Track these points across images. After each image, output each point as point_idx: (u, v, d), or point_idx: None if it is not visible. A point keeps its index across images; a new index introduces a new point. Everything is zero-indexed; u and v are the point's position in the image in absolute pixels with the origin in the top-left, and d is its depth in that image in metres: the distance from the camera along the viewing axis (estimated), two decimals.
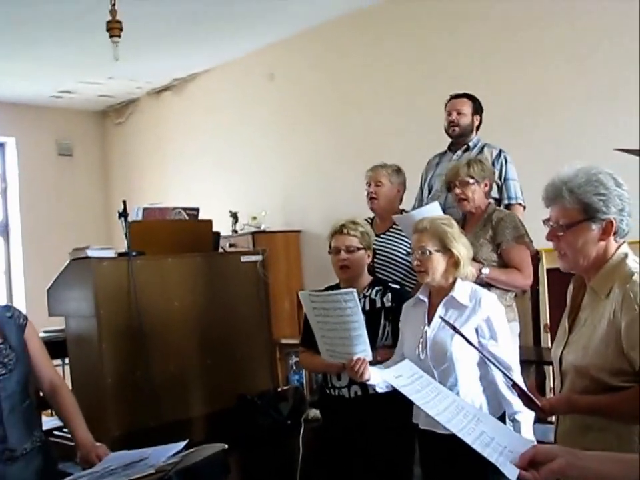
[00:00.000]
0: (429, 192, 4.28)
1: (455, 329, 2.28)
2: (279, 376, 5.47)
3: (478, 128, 4.27)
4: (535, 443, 1.59)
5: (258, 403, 4.40)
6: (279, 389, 4.87)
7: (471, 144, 4.20)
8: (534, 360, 4.01)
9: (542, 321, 4.39)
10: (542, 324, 4.39)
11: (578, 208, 1.99)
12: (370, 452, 3.19)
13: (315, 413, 4.29)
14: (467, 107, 4.21)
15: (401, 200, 4.09)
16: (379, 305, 3.23)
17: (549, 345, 4.24)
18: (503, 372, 2.01)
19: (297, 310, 5.95)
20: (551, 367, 4.10)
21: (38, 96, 7.93)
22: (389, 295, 3.26)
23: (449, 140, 4.29)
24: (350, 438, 3.24)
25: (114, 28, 4.30)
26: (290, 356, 5.74)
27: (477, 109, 4.24)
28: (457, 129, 4.20)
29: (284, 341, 5.60)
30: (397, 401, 3.01)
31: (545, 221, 2.07)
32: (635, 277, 1.94)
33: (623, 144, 3.46)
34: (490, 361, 2.02)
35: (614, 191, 1.98)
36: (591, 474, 1.45)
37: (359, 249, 3.25)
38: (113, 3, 4.29)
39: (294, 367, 5.78)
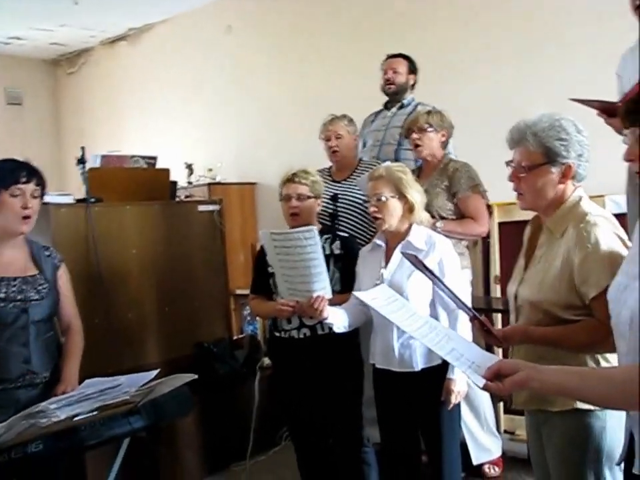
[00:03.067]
0: (364, 146, 4.43)
1: (415, 262, 2.30)
2: (234, 326, 5.54)
3: (413, 87, 4.44)
4: (500, 358, 1.70)
5: (214, 350, 4.49)
6: (235, 338, 4.95)
7: (405, 102, 4.37)
8: (484, 308, 4.13)
9: (492, 272, 4.52)
10: (492, 275, 4.52)
11: (540, 151, 2.10)
12: (319, 394, 3.29)
13: (269, 361, 4.37)
14: (402, 67, 4.39)
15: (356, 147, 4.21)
16: (327, 252, 3.28)
17: (498, 295, 4.40)
18: (464, 304, 2.11)
19: (252, 262, 5.99)
20: (499, 315, 4.26)
21: None
22: (338, 242, 3.34)
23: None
24: (299, 380, 3.33)
25: None
26: (244, 307, 5.80)
27: (412, 69, 4.42)
28: (392, 86, 4.38)
29: (238, 292, 5.63)
30: (345, 343, 3.18)
31: (508, 163, 2.18)
32: (589, 218, 2.07)
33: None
34: (455, 295, 2.10)
35: (574, 137, 2.10)
36: (551, 385, 1.58)
37: (309, 197, 3.32)
38: None
39: (248, 318, 5.85)
